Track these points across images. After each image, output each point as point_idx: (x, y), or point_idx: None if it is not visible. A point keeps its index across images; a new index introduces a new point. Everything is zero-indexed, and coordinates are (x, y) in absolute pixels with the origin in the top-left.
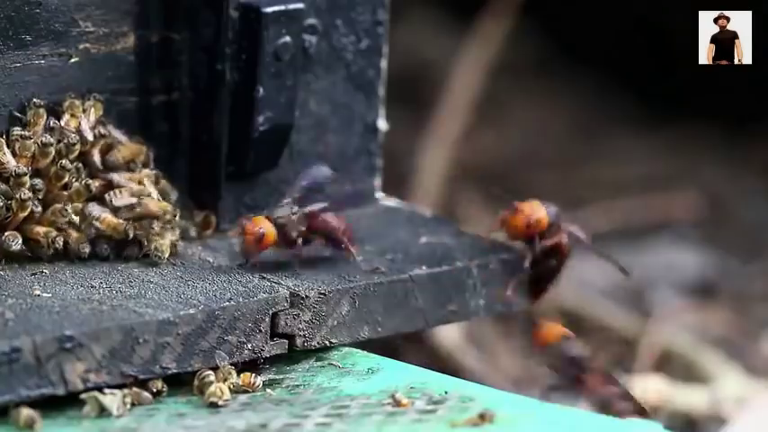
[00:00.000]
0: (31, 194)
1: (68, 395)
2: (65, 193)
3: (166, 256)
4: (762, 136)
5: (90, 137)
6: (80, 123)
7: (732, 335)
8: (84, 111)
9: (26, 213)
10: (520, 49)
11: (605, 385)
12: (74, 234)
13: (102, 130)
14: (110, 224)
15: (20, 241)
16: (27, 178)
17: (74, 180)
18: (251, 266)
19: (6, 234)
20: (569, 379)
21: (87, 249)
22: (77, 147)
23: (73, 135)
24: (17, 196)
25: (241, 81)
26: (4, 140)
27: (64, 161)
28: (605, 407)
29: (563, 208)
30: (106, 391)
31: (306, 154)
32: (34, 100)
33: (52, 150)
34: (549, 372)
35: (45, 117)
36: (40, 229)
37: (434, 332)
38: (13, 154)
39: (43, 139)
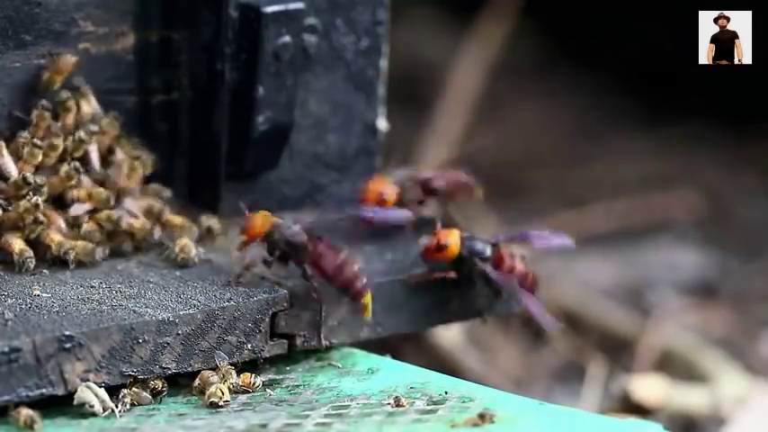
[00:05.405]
0: (30, 205)
1: (68, 395)
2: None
3: (192, 254)
4: (762, 136)
5: (83, 134)
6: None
7: (732, 335)
8: (83, 96)
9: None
10: (520, 49)
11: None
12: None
13: (96, 128)
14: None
15: (33, 259)
16: (29, 189)
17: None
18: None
19: (22, 249)
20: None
21: (101, 255)
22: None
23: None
24: (20, 203)
25: (241, 81)
26: (3, 143)
27: (77, 163)
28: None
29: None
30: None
31: (306, 154)
32: (42, 102)
33: (60, 143)
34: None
35: (48, 120)
36: (55, 237)
37: (434, 332)
38: (19, 158)
39: (53, 139)
